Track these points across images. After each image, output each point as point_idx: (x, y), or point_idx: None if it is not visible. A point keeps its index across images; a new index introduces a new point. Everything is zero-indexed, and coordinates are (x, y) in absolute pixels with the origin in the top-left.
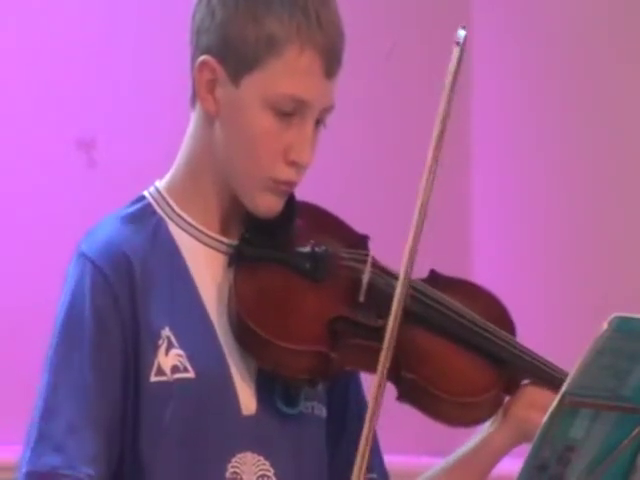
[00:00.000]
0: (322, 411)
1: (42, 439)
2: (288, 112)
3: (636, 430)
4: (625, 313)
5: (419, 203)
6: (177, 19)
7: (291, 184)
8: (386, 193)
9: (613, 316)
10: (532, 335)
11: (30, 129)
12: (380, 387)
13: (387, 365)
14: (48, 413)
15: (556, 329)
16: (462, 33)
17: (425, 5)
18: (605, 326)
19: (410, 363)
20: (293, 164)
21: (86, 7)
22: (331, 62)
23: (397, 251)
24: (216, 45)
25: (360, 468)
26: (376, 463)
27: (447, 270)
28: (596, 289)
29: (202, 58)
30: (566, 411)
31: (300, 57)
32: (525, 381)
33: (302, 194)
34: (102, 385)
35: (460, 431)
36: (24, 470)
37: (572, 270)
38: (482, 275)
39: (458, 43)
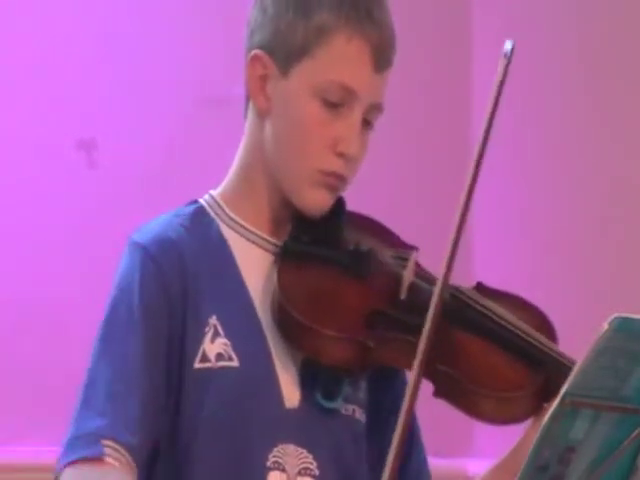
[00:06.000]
0: (362, 416)
1: (85, 405)
2: (336, 102)
3: (637, 431)
4: (626, 313)
5: (460, 208)
6: (178, 19)
7: (339, 177)
8: (380, 191)
9: (614, 316)
10: None
11: (30, 129)
12: (416, 385)
13: (423, 365)
14: (92, 381)
15: (557, 330)
16: (509, 45)
17: (425, 5)
18: (606, 326)
19: (444, 357)
20: (341, 155)
21: (87, 7)
22: (380, 56)
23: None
24: (267, 39)
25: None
26: (421, 463)
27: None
28: (597, 289)
29: (253, 52)
30: (567, 411)
31: (348, 45)
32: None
33: None
34: (146, 359)
35: (465, 433)
36: (68, 436)
37: (573, 271)
38: (482, 276)
39: (505, 55)
